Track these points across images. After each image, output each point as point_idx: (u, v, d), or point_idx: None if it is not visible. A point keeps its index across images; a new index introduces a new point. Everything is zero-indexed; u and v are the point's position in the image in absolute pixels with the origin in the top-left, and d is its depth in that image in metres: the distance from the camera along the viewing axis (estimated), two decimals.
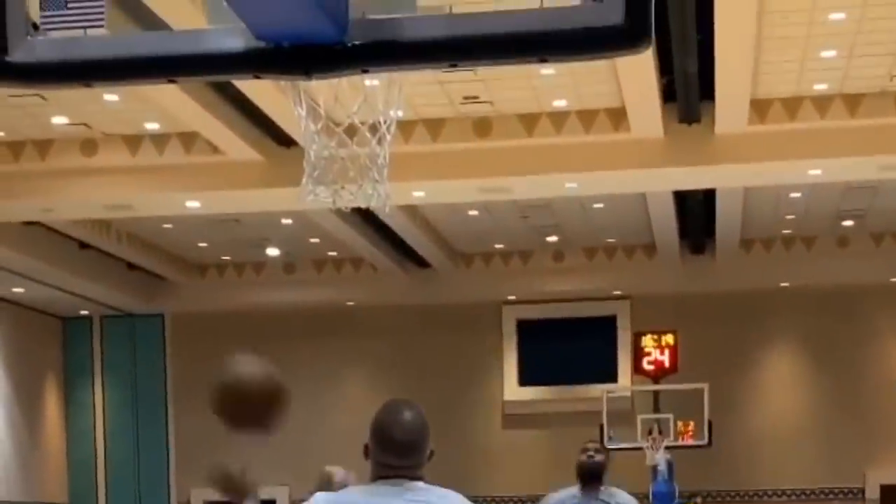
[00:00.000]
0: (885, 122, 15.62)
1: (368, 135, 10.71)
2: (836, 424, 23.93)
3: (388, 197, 12.17)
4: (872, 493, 23.67)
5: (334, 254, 23.30)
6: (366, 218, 20.17)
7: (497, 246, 23.18)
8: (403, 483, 4.47)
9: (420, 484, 4.51)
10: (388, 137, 11.03)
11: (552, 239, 22.66)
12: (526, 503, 24.67)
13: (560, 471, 23.98)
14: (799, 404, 24.36)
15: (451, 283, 23.92)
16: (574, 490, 9.09)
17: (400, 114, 15.26)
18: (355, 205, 16.49)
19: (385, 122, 10.89)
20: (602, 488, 9.07)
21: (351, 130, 8.63)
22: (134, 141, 16.78)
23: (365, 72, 3.63)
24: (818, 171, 16.80)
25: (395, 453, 4.49)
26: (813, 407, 24.32)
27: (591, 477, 9.04)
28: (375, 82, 11.32)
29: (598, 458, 9.05)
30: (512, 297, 24.45)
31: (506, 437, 24.98)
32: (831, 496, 23.67)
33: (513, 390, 24.90)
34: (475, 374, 24.87)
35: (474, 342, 24.71)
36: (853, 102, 15.61)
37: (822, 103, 15.65)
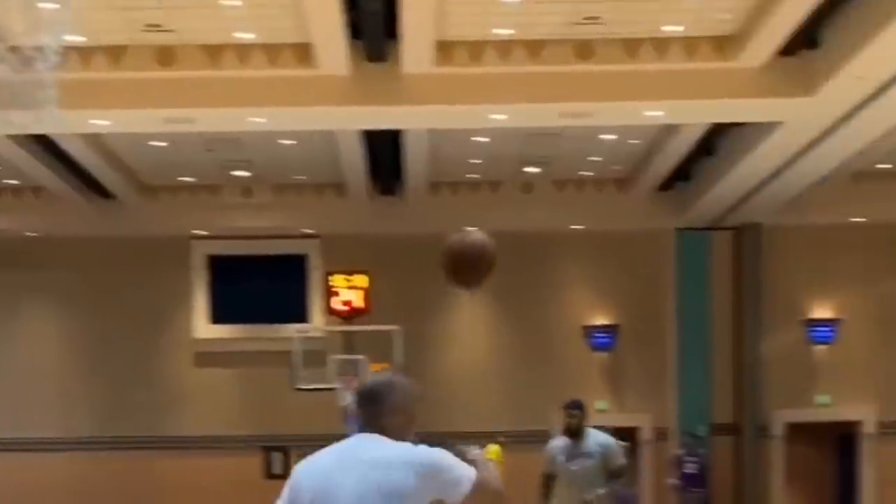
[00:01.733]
0: (565, 69, 15.96)
1: (37, 58, 10.43)
2: (523, 368, 24.64)
3: (61, 123, 11.87)
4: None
5: (14, 182, 22.63)
6: (45, 145, 19.66)
7: (184, 179, 22.93)
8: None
9: None
10: (56, 61, 10.75)
11: (241, 174, 22.55)
12: (215, 442, 24.56)
13: (252, 410, 24.19)
14: (488, 348, 24.94)
15: (137, 215, 23.58)
16: (566, 438, 11.62)
17: (80, 39, 15.01)
18: (26, 131, 16.05)
19: (53, 45, 10.61)
20: (585, 433, 11.50)
21: (19, 53, 8.40)
22: None
23: None
24: (502, 116, 17.15)
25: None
26: (502, 351, 24.91)
27: (574, 434, 11.50)
28: (48, 4, 11.00)
29: (574, 421, 11.50)
30: (200, 232, 24.25)
31: (197, 375, 24.82)
32: (519, 439, 24.26)
33: (204, 328, 24.73)
34: (165, 311, 24.60)
35: (162, 277, 24.44)
36: (534, 48, 15.92)
37: (504, 48, 15.90)
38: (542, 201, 23.78)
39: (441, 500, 5.09)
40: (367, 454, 5.09)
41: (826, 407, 24.76)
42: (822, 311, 24.73)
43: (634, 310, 24.75)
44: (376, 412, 5.19)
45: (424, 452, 5.09)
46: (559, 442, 11.62)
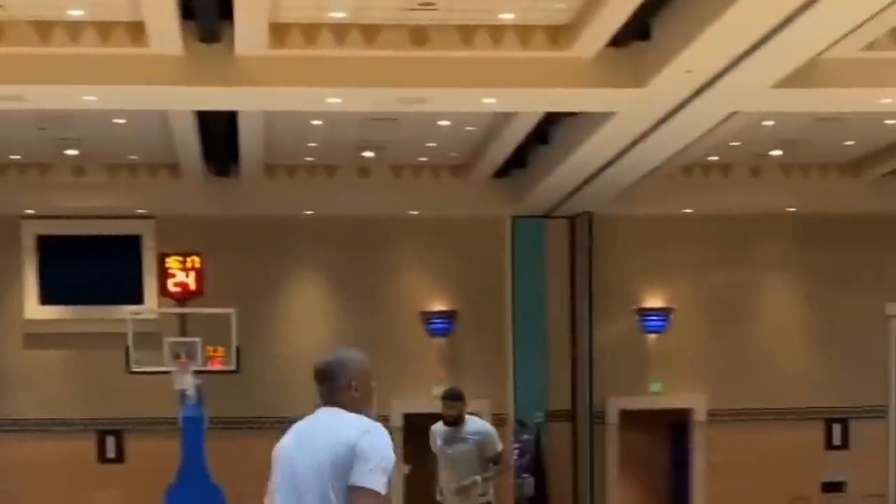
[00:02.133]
0: (401, 54, 15.97)
1: None
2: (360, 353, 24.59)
3: None
4: (396, 420, 24.53)
5: None
6: None
7: (13, 157, 22.56)
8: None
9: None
10: None
11: (72, 152, 22.27)
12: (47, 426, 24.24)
13: (85, 393, 23.90)
14: (326, 332, 24.91)
15: None
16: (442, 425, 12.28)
17: None
18: None
19: None
20: (465, 420, 12.14)
21: None
22: None
23: None
24: (338, 100, 17.15)
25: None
26: (339, 335, 24.82)
27: (452, 423, 12.13)
28: None
29: (453, 412, 12.08)
30: (31, 212, 23.89)
31: (27, 357, 24.45)
32: None
33: (34, 309, 24.37)
34: None
35: None
36: (370, 33, 15.94)
37: (339, 32, 15.87)
38: (380, 186, 23.87)
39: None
40: (325, 427, 5.61)
41: (658, 395, 25.24)
42: (654, 301, 25.24)
43: (472, 296, 24.96)
44: (332, 388, 5.80)
45: (374, 431, 5.59)
46: (440, 426, 12.27)
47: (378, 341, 24.48)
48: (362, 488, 5.42)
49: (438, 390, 24.21)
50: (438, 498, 12.53)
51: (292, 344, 24.84)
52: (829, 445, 25.74)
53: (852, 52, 15.82)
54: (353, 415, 5.67)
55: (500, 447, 12.19)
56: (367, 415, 5.73)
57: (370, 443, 5.51)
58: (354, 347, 5.75)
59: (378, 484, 5.45)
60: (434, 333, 25.05)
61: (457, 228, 24.70)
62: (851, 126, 20.93)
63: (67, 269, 24.26)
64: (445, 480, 12.33)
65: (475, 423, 12.30)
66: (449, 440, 12.13)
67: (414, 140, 21.67)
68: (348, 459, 5.48)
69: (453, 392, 12.41)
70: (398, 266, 24.98)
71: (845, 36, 14.52)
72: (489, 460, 12.15)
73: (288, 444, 5.71)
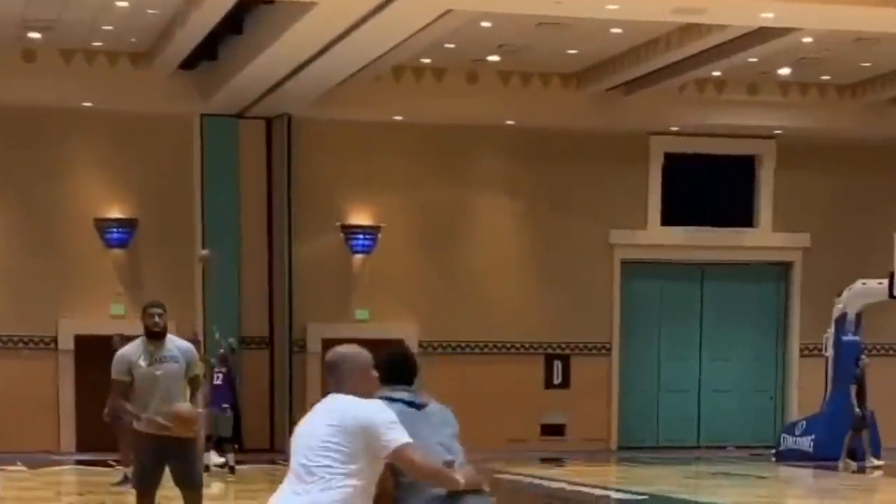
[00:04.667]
0: None
1: None
2: (26, 266, 23.99)
3: None
4: (66, 343, 24.06)
5: None
6: None
7: None
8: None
9: None
10: None
11: None
12: None
13: None
14: None
15: None
16: (145, 341, 11.61)
17: None
18: None
19: None
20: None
21: None
22: None
23: None
24: None
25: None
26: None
27: (160, 335, 11.53)
28: None
29: (161, 321, 11.52)
30: None
31: None
32: (21, 345, 23.90)
33: None
34: None
35: None
36: None
37: None
38: (48, 72, 23.08)
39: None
40: (335, 404, 6.75)
41: (366, 322, 25.21)
42: (360, 217, 25.18)
43: (155, 203, 24.50)
44: (338, 379, 6.83)
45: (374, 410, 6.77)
46: (136, 346, 11.63)
47: (44, 251, 23.99)
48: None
49: (117, 309, 24.17)
50: (136, 425, 11.76)
51: None
52: (549, 384, 26.10)
53: None
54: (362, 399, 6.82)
55: (201, 369, 12.10)
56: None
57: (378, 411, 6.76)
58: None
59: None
60: (111, 244, 24.51)
61: (138, 125, 24.04)
62: (575, 33, 21.19)
63: None
64: (143, 407, 11.50)
65: (177, 340, 11.79)
66: (155, 360, 11.47)
67: (87, 21, 21.15)
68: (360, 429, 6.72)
69: (156, 301, 11.84)
70: (68, 165, 24.19)
71: None
72: (190, 382, 11.67)
73: (307, 418, 6.87)
